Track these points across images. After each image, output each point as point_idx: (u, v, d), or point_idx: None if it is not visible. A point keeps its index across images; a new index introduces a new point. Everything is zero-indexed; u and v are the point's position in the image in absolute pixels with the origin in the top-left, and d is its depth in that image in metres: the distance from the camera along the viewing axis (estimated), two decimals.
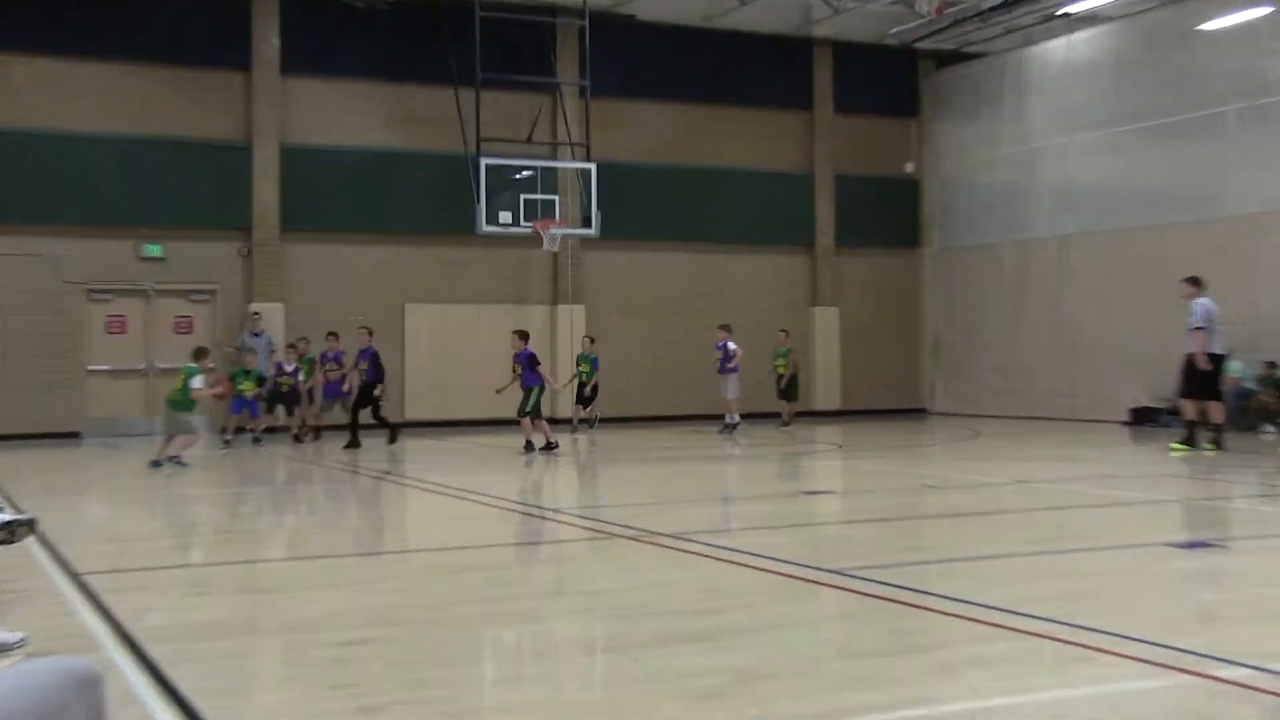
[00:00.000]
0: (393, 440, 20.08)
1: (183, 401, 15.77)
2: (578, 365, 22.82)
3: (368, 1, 23.11)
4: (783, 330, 24.33)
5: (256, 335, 22.34)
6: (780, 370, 23.73)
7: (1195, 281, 17.32)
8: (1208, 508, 12.34)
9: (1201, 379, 17.12)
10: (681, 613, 7.00)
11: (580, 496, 14.61)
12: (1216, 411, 17.40)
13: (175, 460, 15.85)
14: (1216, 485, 14.30)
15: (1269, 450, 18.01)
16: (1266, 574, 8.42)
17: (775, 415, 23.94)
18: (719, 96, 26.90)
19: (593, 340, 23.12)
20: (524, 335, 18.67)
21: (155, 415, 22.57)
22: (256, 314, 22.74)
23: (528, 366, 18.20)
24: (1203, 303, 17.06)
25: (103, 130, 22.63)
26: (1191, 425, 17.29)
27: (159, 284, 23.11)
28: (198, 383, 15.60)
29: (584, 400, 22.70)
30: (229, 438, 20.09)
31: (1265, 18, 22.03)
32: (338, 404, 21.13)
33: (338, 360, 21.12)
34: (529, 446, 18.01)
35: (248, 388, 20.50)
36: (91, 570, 8.32)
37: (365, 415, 20.09)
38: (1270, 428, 20.61)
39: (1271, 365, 20.60)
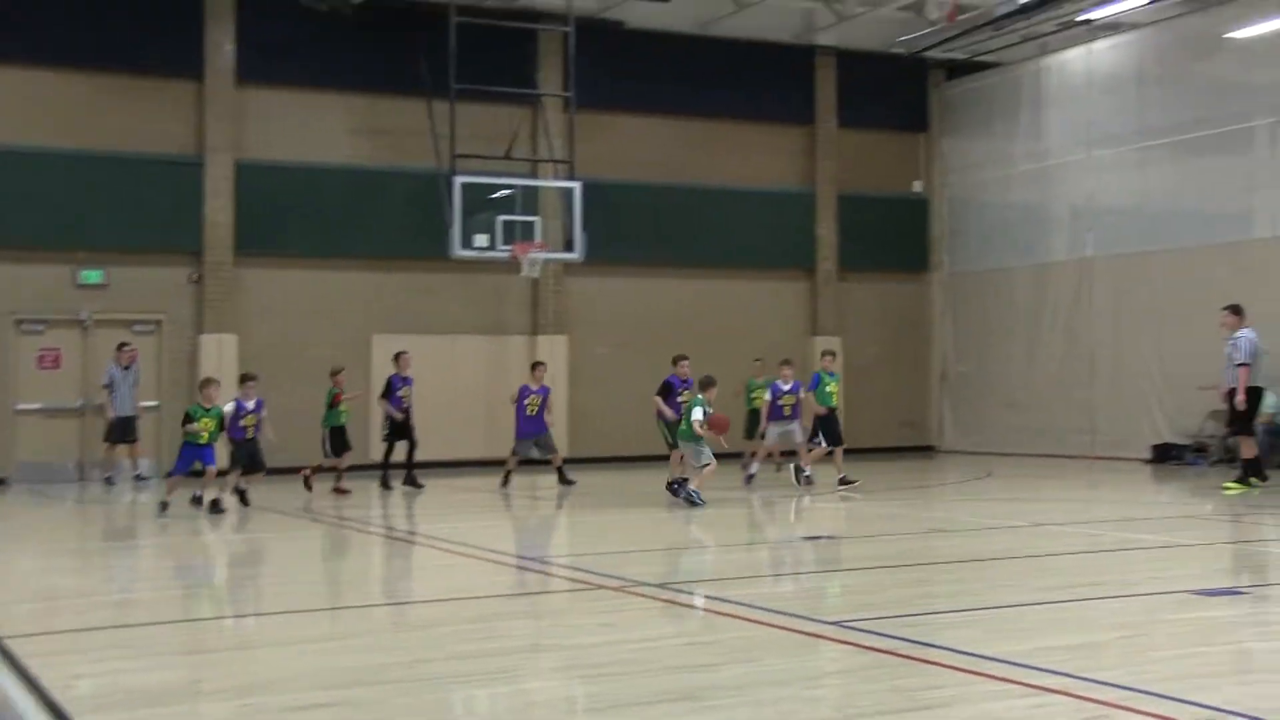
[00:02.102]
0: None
1: (687, 432, 16.91)
2: (822, 387, 19.41)
3: (332, 4, 23.19)
4: (757, 359, 23.76)
5: (126, 369, 21.50)
6: (757, 404, 22.80)
7: (1238, 311, 17.59)
8: (1234, 552, 12.45)
9: (1238, 413, 17.47)
10: (668, 669, 7.08)
11: (561, 544, 14.66)
12: (1249, 447, 17.64)
13: (682, 492, 16.76)
14: (1243, 527, 14.41)
15: None
16: None
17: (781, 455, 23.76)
18: (714, 109, 27.07)
19: (834, 355, 20.46)
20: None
21: (90, 459, 22.62)
22: (128, 345, 21.73)
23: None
24: (1247, 335, 17.32)
25: (36, 143, 22.51)
26: (1247, 463, 17.61)
27: (98, 314, 22.95)
28: (698, 414, 16.74)
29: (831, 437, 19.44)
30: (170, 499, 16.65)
31: None
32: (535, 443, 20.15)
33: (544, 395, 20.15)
34: (682, 491, 17.03)
35: (206, 428, 16.73)
36: (15, 634, 8.28)
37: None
38: None
39: None
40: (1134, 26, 25.42)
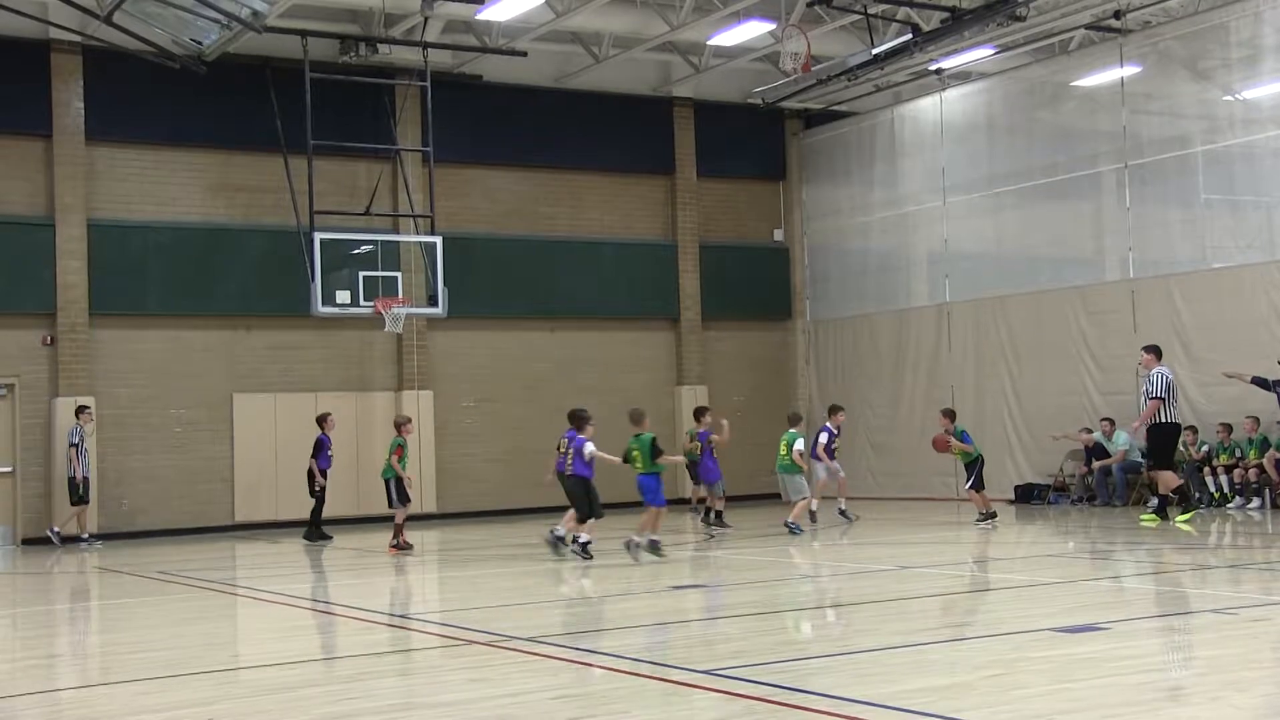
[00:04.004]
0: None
1: (790, 466, 19.26)
2: (959, 443, 19.87)
3: (184, 61, 22.92)
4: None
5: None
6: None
7: (1155, 351, 18.61)
8: (1094, 588, 12.76)
9: (1156, 447, 18.40)
10: None
11: (429, 600, 14.56)
12: (1168, 481, 18.53)
13: (791, 526, 18.83)
14: (1103, 564, 14.79)
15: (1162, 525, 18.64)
16: (1151, 658, 8.77)
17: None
18: (574, 161, 27.28)
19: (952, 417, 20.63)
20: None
21: None
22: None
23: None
24: (1161, 372, 18.13)
25: None
26: (1163, 497, 18.58)
27: None
28: (799, 445, 19.26)
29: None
30: None
31: (1135, 76, 23.13)
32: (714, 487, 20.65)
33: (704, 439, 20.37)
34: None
35: None
36: None
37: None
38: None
39: None
40: (983, 76, 26.22)
